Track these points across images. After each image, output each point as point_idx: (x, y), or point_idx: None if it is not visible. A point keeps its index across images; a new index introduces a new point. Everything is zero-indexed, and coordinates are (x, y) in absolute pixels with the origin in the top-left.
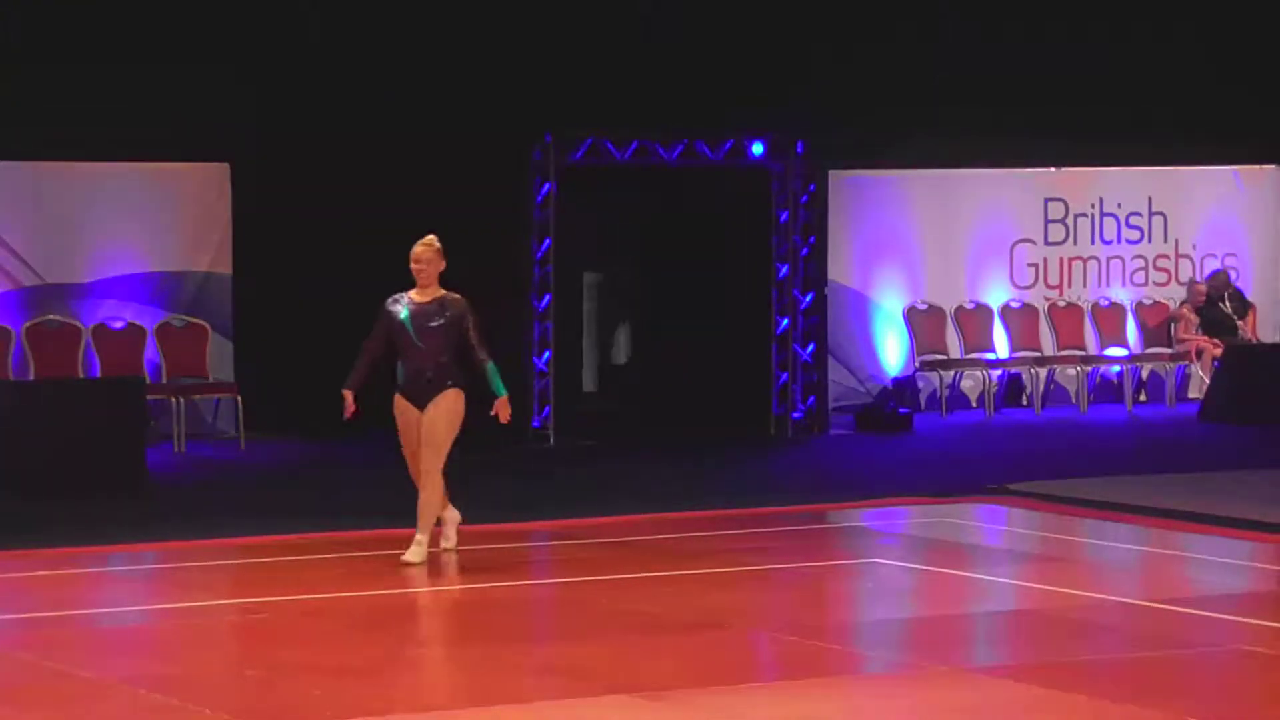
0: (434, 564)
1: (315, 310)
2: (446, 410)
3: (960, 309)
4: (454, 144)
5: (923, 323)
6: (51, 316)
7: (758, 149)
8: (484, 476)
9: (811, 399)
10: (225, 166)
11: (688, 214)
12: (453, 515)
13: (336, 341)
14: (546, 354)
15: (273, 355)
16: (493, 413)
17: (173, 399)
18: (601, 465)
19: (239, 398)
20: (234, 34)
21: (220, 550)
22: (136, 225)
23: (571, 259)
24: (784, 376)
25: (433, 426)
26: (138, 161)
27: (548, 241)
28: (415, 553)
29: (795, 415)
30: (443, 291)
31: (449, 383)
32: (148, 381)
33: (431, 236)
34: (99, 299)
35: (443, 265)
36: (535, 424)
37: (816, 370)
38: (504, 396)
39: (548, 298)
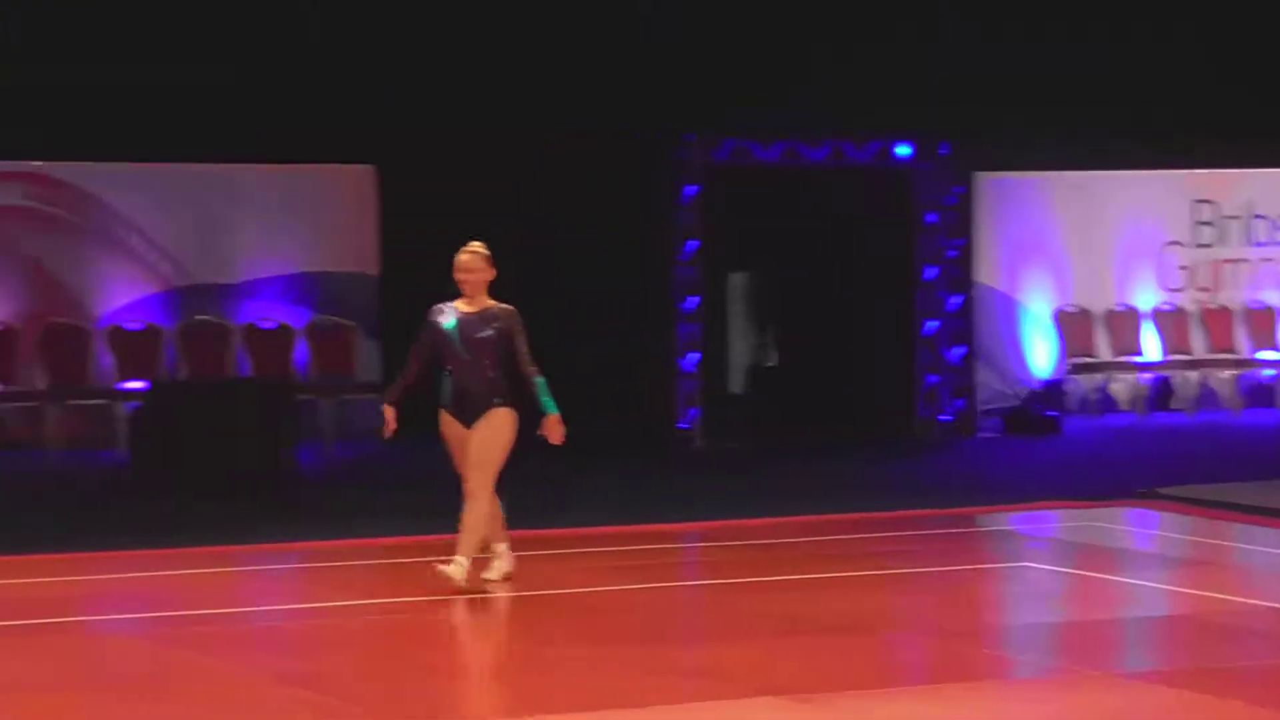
0: (574, 567)
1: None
2: (497, 431)
3: (1109, 312)
4: (599, 144)
5: (1071, 325)
6: (202, 317)
7: (904, 150)
8: (629, 478)
9: (959, 401)
10: (372, 168)
11: (832, 215)
12: (505, 550)
13: None
14: (693, 356)
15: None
16: (539, 432)
17: (321, 399)
18: (748, 467)
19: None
20: (382, 38)
21: (365, 550)
22: (286, 226)
23: (716, 260)
24: (931, 379)
25: (482, 448)
26: (287, 164)
27: (692, 243)
28: (456, 570)
29: (943, 418)
30: (491, 301)
31: (497, 400)
32: (297, 381)
33: (478, 244)
34: (249, 299)
35: (492, 274)
36: (682, 426)
37: (964, 373)
38: (554, 415)
39: (692, 299)
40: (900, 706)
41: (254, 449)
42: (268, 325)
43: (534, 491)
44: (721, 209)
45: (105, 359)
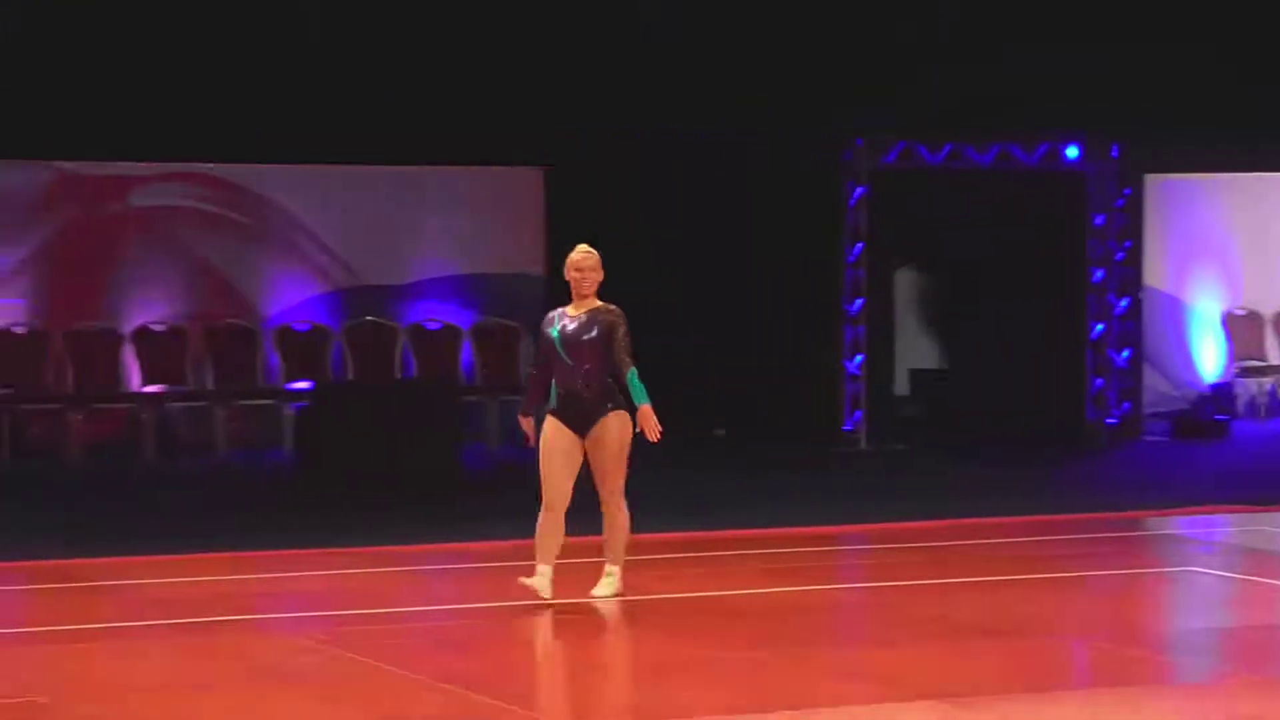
0: (736, 569)
1: (629, 312)
2: (615, 440)
3: (1279, 314)
4: (766, 147)
5: (1241, 328)
6: (369, 318)
7: (1072, 152)
8: (794, 478)
9: (1126, 405)
10: (540, 170)
11: (999, 217)
12: (548, 576)
13: (649, 344)
14: (858, 358)
15: None
16: (638, 429)
17: (487, 400)
18: (912, 469)
19: None
20: (553, 39)
21: (528, 551)
22: (453, 227)
23: (883, 262)
24: (1099, 382)
25: (603, 463)
26: (455, 165)
27: (859, 245)
28: (607, 584)
29: (1110, 421)
30: (598, 303)
31: (609, 405)
32: (463, 382)
33: (587, 246)
34: (415, 300)
35: (601, 276)
36: (847, 427)
37: (1132, 376)
38: (646, 405)
39: (859, 301)
40: (1063, 710)
41: (419, 450)
42: (433, 326)
43: (697, 492)
44: (888, 211)
45: (273, 360)
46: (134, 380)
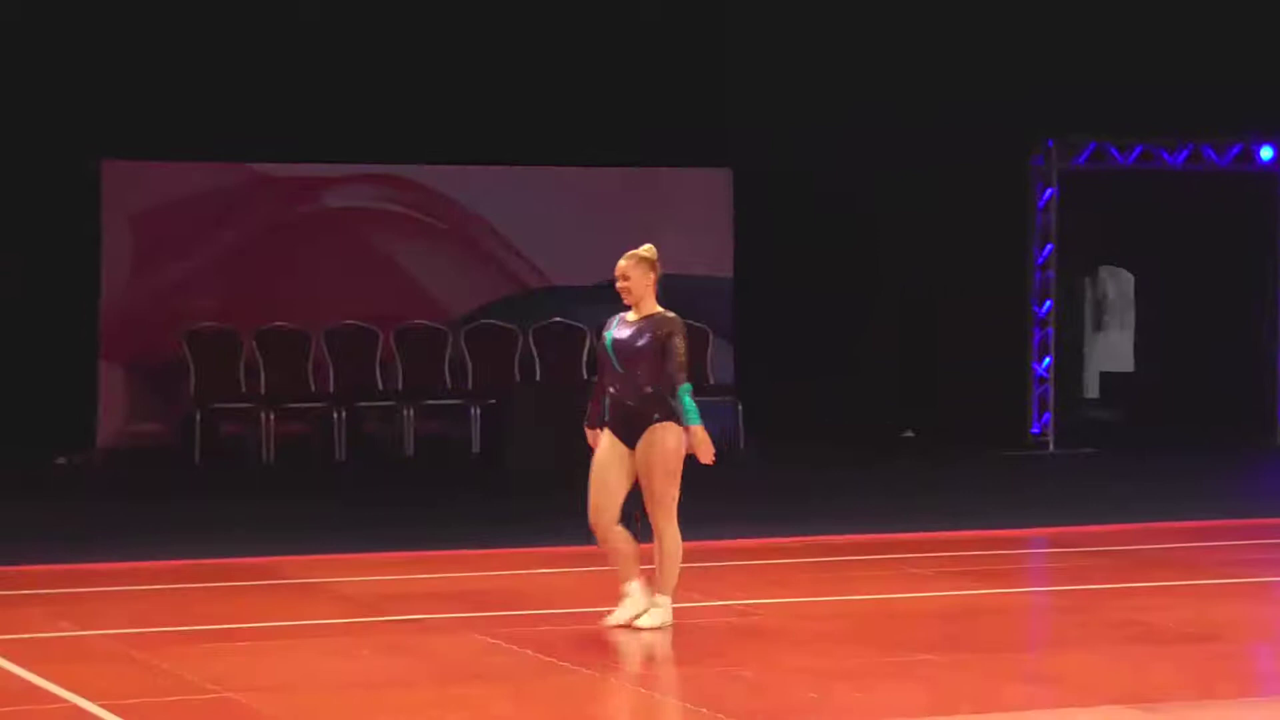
0: (924, 572)
1: (816, 314)
2: (660, 454)
3: None
4: (953, 146)
5: None
6: (558, 318)
7: (1266, 154)
8: (981, 481)
9: None
10: (728, 172)
11: (1191, 219)
12: (640, 594)
13: (837, 346)
14: (1047, 360)
15: (774, 359)
16: (687, 451)
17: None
18: (1101, 472)
19: (739, 402)
20: (737, 41)
21: (712, 552)
22: (640, 229)
23: (1072, 264)
24: None
25: (648, 479)
26: (643, 166)
27: (1049, 247)
28: (654, 616)
29: None
30: (657, 309)
31: (656, 415)
32: None
33: (642, 249)
34: (604, 301)
35: (652, 277)
36: (1034, 430)
37: None
38: (696, 426)
39: (1049, 303)
40: (1250, 716)
41: None
42: None
43: (885, 495)
44: (1078, 213)
45: (461, 360)
46: (324, 380)
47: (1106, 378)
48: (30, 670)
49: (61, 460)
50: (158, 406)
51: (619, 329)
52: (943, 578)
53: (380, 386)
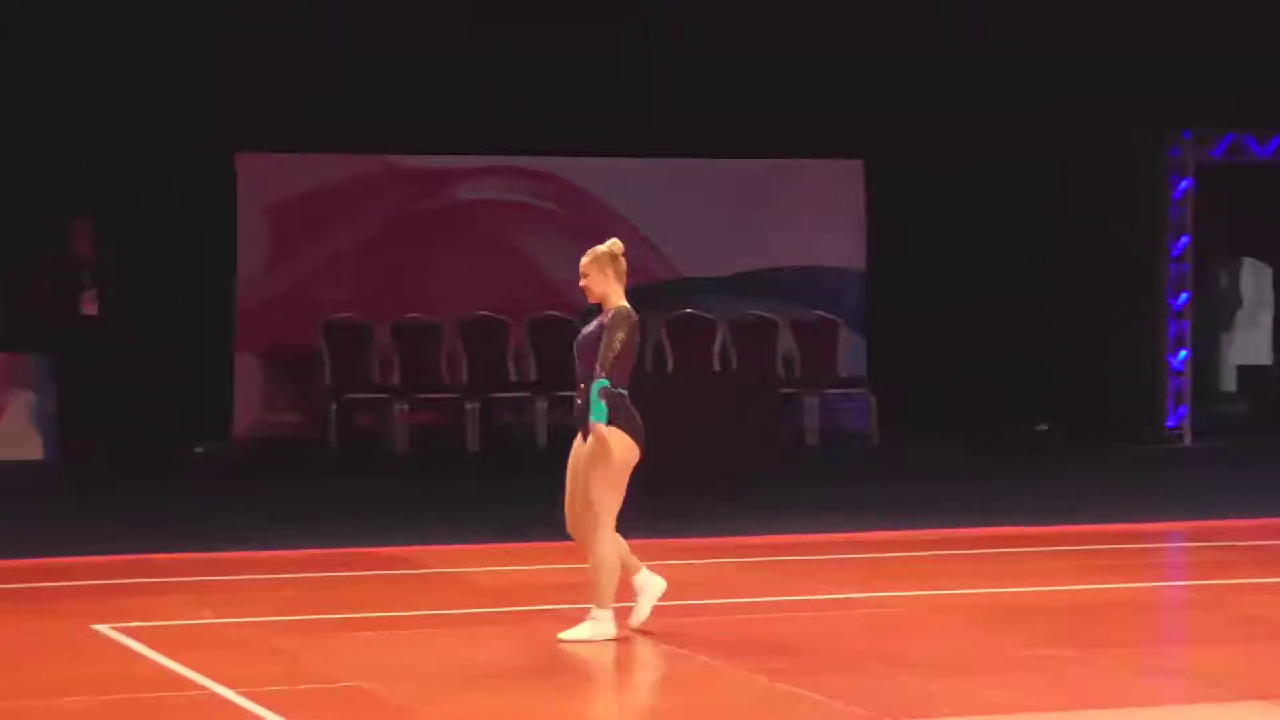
0: (1056, 565)
1: (948, 307)
2: (596, 458)
3: None
4: (1089, 140)
5: None
6: (689, 310)
7: None
8: (1116, 474)
9: None
10: (859, 163)
11: None
12: (652, 585)
13: (969, 339)
14: (1183, 353)
15: (907, 351)
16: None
17: (806, 394)
18: (1237, 466)
19: (871, 394)
20: (868, 32)
21: (843, 544)
22: (772, 221)
23: (1208, 257)
24: None
25: (586, 479)
26: (775, 158)
27: (1184, 239)
28: (582, 629)
29: None
30: (617, 305)
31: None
32: (781, 376)
33: (599, 246)
34: (735, 294)
35: (611, 272)
36: (1170, 424)
37: None
38: (596, 424)
39: (1184, 296)
40: None
41: (737, 442)
42: (752, 320)
43: (1018, 488)
44: (1213, 205)
45: None
46: (457, 371)
47: (1243, 371)
48: (169, 657)
49: (199, 450)
50: (293, 397)
51: (583, 326)
52: (1075, 572)
53: (513, 377)
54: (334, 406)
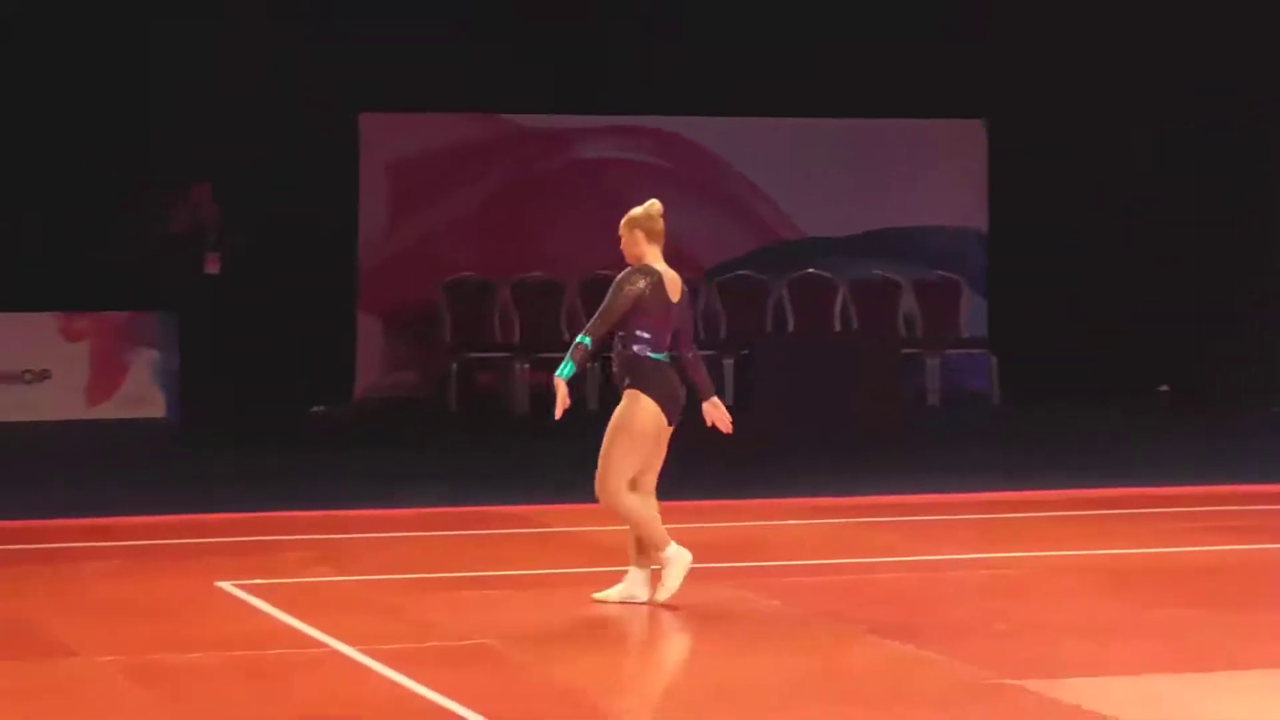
0: (1170, 527)
1: (1070, 267)
2: (617, 419)
3: None
4: (1213, 99)
5: None
6: (810, 270)
7: None
8: (1235, 436)
9: None
10: (981, 122)
11: None
12: (679, 557)
13: (1090, 299)
14: None
15: (1028, 312)
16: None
17: (927, 355)
18: None
19: (992, 355)
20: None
21: (967, 505)
22: (893, 181)
23: None
24: None
25: (607, 436)
26: (896, 118)
27: None
28: (614, 590)
29: None
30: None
31: (627, 381)
32: (902, 336)
33: (639, 207)
34: (857, 254)
35: (639, 234)
36: None
37: None
38: (558, 378)
39: None
40: None
41: (857, 403)
42: (874, 280)
43: (1139, 450)
44: None
45: (713, 312)
46: (577, 330)
47: None
48: (291, 614)
49: (320, 409)
50: (414, 356)
51: None
52: (1199, 533)
53: None
54: (454, 366)
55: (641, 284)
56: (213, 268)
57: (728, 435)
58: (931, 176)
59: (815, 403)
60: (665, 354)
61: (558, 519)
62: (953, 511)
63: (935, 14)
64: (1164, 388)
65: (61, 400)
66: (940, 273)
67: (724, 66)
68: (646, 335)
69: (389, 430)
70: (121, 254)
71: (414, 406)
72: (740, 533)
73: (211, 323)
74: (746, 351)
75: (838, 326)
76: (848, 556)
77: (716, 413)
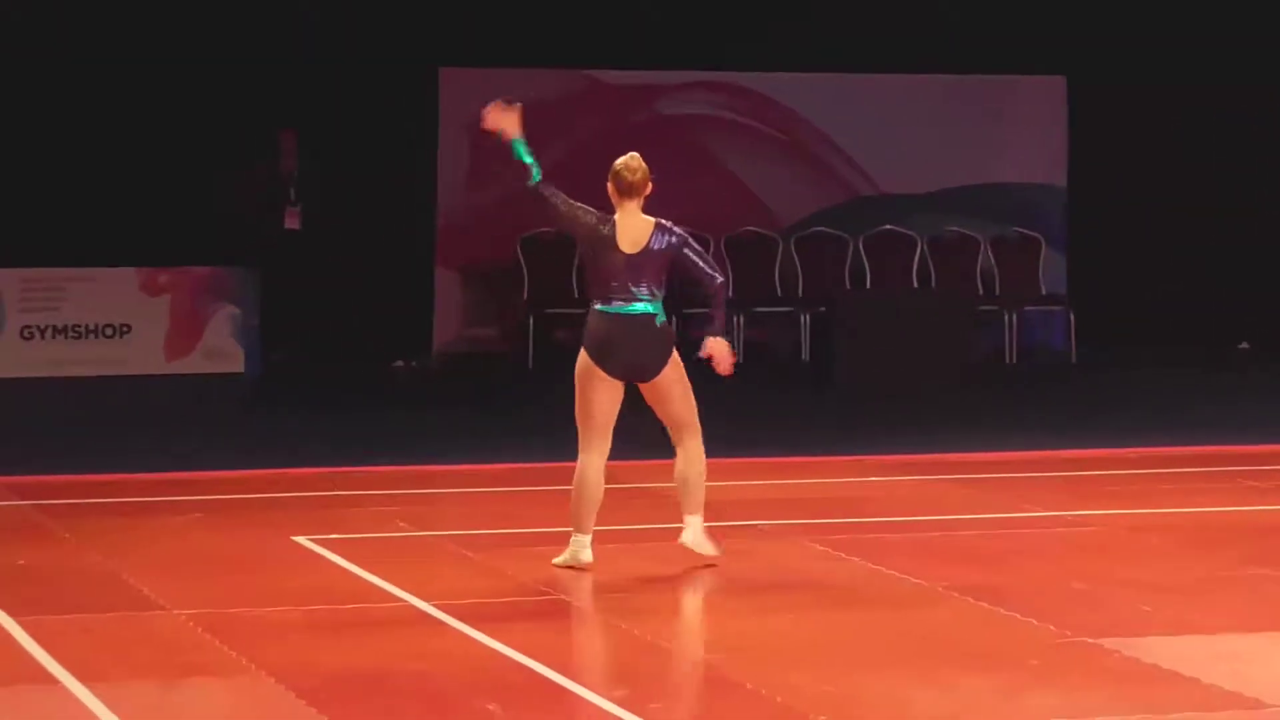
0: (1252, 485)
1: (1149, 224)
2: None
3: None
4: None
5: None
6: (888, 226)
7: None
8: None
9: None
10: (1061, 79)
11: None
12: (579, 550)
13: (1169, 256)
14: None
15: (1107, 269)
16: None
17: (1005, 312)
18: None
19: (1071, 312)
20: None
21: (1044, 462)
22: (972, 137)
23: None
24: None
25: None
26: (976, 74)
27: None
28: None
29: None
30: None
31: None
32: (980, 293)
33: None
34: (935, 211)
35: (611, 187)
36: None
37: None
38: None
39: None
40: None
41: (935, 360)
42: (952, 237)
43: (1219, 408)
44: None
45: (791, 268)
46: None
47: None
48: (367, 570)
49: (398, 364)
50: (492, 312)
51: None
52: (1270, 492)
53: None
54: (531, 321)
55: (586, 219)
56: (292, 223)
57: (725, 376)
58: (1011, 133)
59: (892, 360)
60: (610, 305)
61: (632, 475)
62: (1031, 469)
63: None
64: (1244, 345)
65: (141, 355)
66: (1018, 229)
67: (804, 21)
68: (595, 286)
69: (467, 385)
70: (202, 209)
71: (492, 362)
72: (820, 489)
73: (291, 278)
74: (824, 309)
75: (915, 284)
76: (928, 514)
77: (716, 347)
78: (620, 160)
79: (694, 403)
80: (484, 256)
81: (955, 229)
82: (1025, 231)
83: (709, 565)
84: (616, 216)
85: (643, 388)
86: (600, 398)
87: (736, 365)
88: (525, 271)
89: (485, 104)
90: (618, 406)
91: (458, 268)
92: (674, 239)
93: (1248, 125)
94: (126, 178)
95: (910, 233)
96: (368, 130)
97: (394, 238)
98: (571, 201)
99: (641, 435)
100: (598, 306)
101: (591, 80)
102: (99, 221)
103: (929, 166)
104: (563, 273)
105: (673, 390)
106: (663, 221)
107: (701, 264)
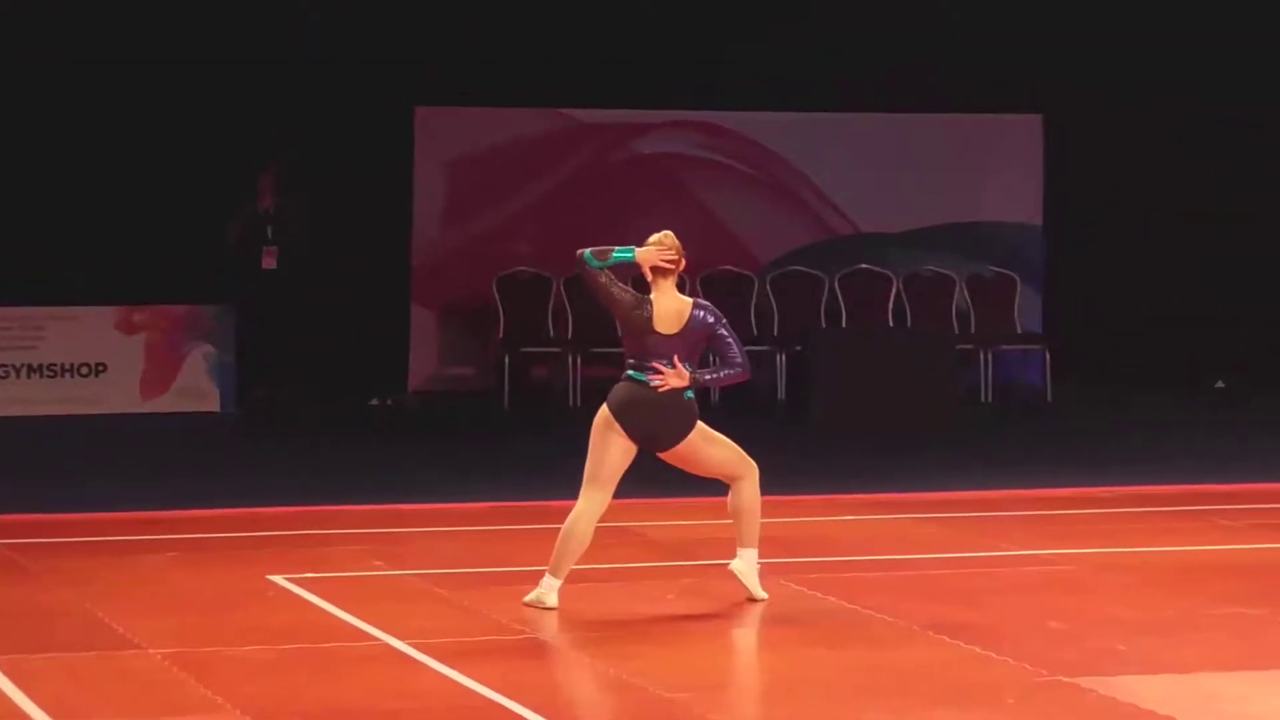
0: (1231, 524)
1: (1126, 263)
2: None
3: None
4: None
5: None
6: (864, 265)
7: None
8: None
9: None
10: (1038, 118)
11: None
12: (547, 593)
13: (1146, 295)
14: None
15: (1083, 307)
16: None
17: (981, 350)
18: None
19: (1047, 350)
20: None
21: (1019, 501)
22: (948, 176)
23: None
24: None
25: None
26: (952, 113)
27: None
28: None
29: None
30: None
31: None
32: (956, 332)
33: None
34: (911, 249)
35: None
36: None
37: None
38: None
39: None
40: None
41: (911, 399)
42: (928, 275)
43: (1195, 447)
44: None
45: (766, 306)
46: None
47: None
48: (343, 608)
49: (374, 403)
50: (468, 350)
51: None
52: (1256, 530)
53: None
54: (508, 360)
55: (624, 298)
56: (269, 263)
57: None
58: (987, 171)
59: (868, 398)
60: (642, 374)
61: (609, 514)
62: (1008, 508)
63: (992, 9)
64: (1220, 384)
65: (117, 394)
66: (994, 268)
67: (780, 60)
68: (630, 358)
69: (442, 424)
70: (178, 248)
71: (467, 400)
72: (796, 528)
73: (266, 316)
74: (799, 347)
75: (891, 322)
76: (904, 553)
77: (677, 374)
78: (654, 241)
79: (732, 448)
80: (460, 295)
81: (931, 268)
82: (1001, 270)
83: (752, 600)
84: (653, 296)
85: (665, 457)
86: (613, 451)
87: (712, 406)
88: (501, 310)
89: (461, 142)
90: (627, 464)
91: (434, 306)
92: (710, 318)
93: (1225, 166)
94: (102, 216)
95: (886, 271)
96: (344, 169)
97: (370, 276)
98: (614, 281)
99: (635, 473)
100: (630, 373)
101: (568, 119)
102: (74, 260)
103: (905, 205)
104: (538, 311)
105: (700, 451)
106: (700, 301)
107: (734, 347)
